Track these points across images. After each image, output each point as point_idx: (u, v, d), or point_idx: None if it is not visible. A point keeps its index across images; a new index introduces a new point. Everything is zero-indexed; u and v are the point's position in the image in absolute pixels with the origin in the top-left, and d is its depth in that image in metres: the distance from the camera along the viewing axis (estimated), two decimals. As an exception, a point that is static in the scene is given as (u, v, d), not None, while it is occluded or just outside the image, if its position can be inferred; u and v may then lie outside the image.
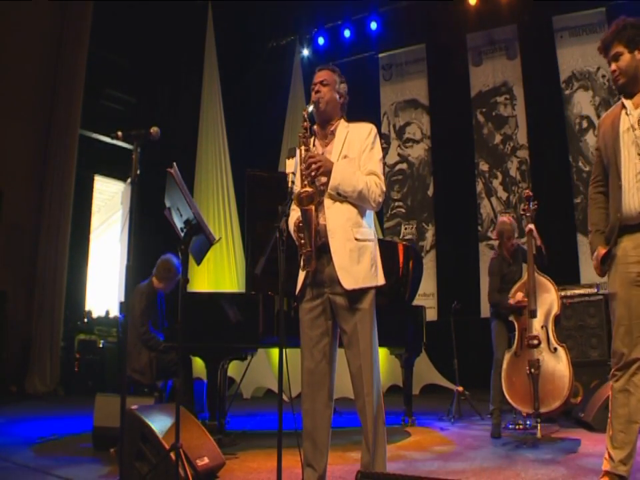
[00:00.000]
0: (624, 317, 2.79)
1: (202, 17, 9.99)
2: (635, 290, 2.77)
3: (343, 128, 2.94)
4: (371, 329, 2.79)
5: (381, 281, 2.85)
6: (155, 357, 5.01)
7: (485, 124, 9.95)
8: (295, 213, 2.83)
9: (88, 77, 9.12)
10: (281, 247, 2.58)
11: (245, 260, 7.04)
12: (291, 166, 2.80)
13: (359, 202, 2.80)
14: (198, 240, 3.21)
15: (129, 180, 9.62)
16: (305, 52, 11.00)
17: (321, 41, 10.82)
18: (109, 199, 11.44)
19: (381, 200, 2.85)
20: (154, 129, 2.85)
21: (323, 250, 2.77)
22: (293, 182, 2.72)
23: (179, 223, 3.25)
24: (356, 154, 2.86)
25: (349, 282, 2.72)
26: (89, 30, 9.07)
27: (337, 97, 2.95)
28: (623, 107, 2.87)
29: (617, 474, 2.75)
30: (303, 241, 2.74)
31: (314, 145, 2.90)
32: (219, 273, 9.20)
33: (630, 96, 2.86)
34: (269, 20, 10.31)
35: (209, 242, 3.19)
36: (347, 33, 10.61)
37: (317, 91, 2.91)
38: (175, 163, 3.16)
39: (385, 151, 10.44)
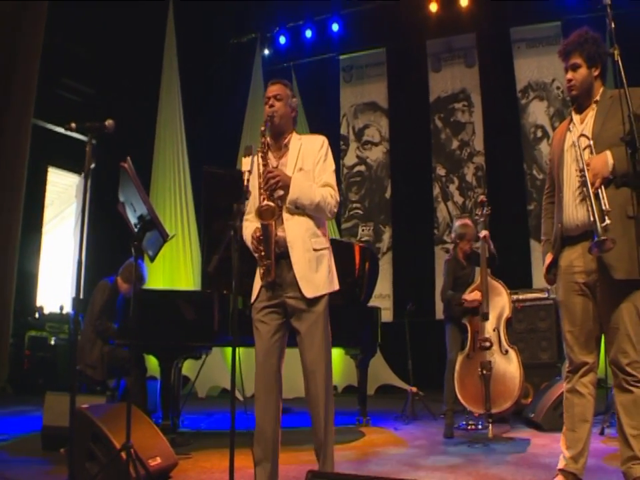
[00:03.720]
0: (569, 323, 2.93)
1: (163, 9, 9.83)
2: (577, 298, 2.90)
3: (295, 141, 3.05)
4: (325, 330, 2.89)
5: (335, 286, 2.98)
6: (107, 353, 4.92)
7: (443, 129, 10.09)
8: (251, 225, 2.95)
9: (43, 65, 8.85)
10: (235, 245, 2.60)
11: (201, 258, 6.97)
12: (247, 164, 2.81)
13: (315, 213, 2.93)
14: (152, 236, 3.18)
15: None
16: (266, 51, 10.94)
17: (282, 40, 10.78)
18: (63, 192, 11.13)
19: (335, 210, 2.99)
20: (109, 122, 2.82)
21: (281, 257, 2.87)
22: (248, 180, 2.74)
23: (132, 219, 3.22)
24: (310, 166, 2.98)
25: (309, 290, 2.83)
26: (45, 17, 8.81)
27: (290, 110, 3.06)
28: (571, 121, 2.99)
29: (569, 471, 2.86)
30: (263, 253, 2.83)
31: (268, 157, 2.98)
32: (175, 270, 9.08)
33: (580, 110, 2.97)
34: (231, 16, 10.20)
35: (162, 238, 3.16)
36: (308, 33, 10.59)
37: (271, 105, 3.00)
38: (128, 157, 3.14)
39: (344, 152, 10.49)
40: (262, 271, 2.86)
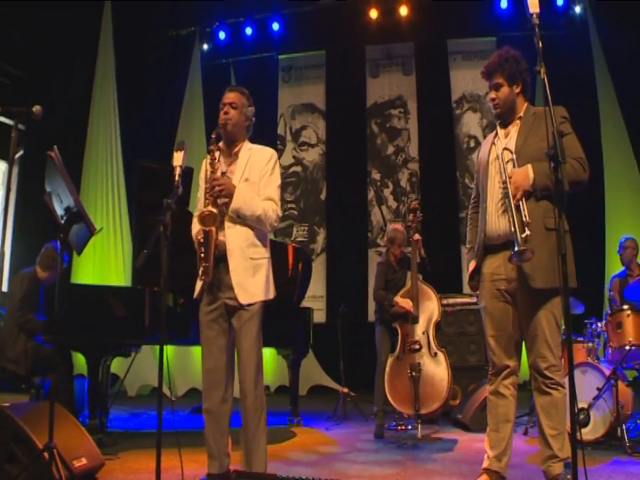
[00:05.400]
0: (491, 328, 3.05)
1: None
2: (499, 304, 3.02)
3: (246, 150, 3.16)
4: (257, 330, 3.03)
5: (271, 295, 3.12)
6: (31, 348, 4.73)
7: (379, 134, 10.24)
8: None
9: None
10: (165, 241, 2.62)
11: (132, 253, 6.80)
12: (178, 159, 2.85)
13: (256, 225, 3.05)
14: (79, 229, 3.11)
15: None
16: (205, 45, 10.76)
17: (222, 35, 10.62)
18: (-12, 179, 10.57)
19: (276, 224, 3.13)
20: (36, 108, 2.73)
21: (220, 259, 2.99)
22: (179, 175, 2.79)
23: (59, 210, 3.15)
24: (256, 178, 3.10)
25: (244, 298, 2.98)
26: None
27: (244, 119, 3.16)
28: (496, 135, 3.12)
29: (493, 470, 2.96)
30: (202, 255, 2.92)
31: (219, 161, 3.11)
32: (105, 265, 8.80)
33: (505, 125, 3.10)
34: (170, 7, 9.94)
35: (89, 232, 3.10)
36: (248, 31, 10.49)
37: (226, 112, 3.11)
38: (55, 146, 3.07)
39: (280, 152, 10.44)
40: (201, 271, 2.95)
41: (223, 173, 3.09)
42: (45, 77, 9.18)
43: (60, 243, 3.05)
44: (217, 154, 3.07)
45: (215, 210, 2.92)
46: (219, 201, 2.99)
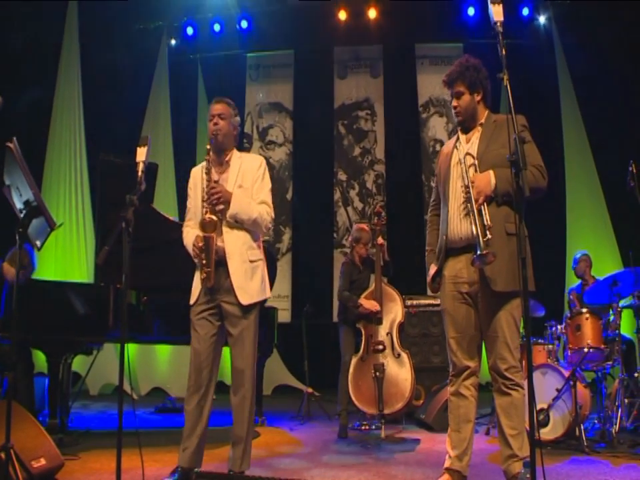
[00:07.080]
0: (452, 329, 3.09)
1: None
2: (460, 306, 3.06)
3: (236, 158, 3.35)
4: (255, 335, 3.22)
5: (267, 294, 3.32)
6: None
7: (346, 135, 10.28)
8: (192, 231, 3.25)
9: None
10: (127, 237, 2.64)
11: (95, 249, 6.68)
12: (142, 154, 2.88)
13: (252, 228, 3.25)
14: (39, 224, 3.06)
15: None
16: (173, 40, 10.62)
17: (189, 31, 10.48)
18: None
19: (271, 226, 3.35)
20: None
21: (219, 264, 3.15)
22: (143, 171, 2.83)
23: (18, 204, 3.10)
24: (249, 184, 3.29)
25: (245, 298, 3.15)
26: None
27: (232, 128, 3.34)
28: (457, 140, 3.17)
29: (454, 469, 3.01)
30: (204, 262, 3.10)
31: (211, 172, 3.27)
32: (68, 261, 8.62)
33: (466, 131, 3.15)
34: (138, 0, 9.75)
35: (49, 227, 3.05)
36: (216, 27, 10.39)
37: (216, 123, 3.27)
38: (14, 138, 3.01)
39: (246, 150, 10.40)
40: (202, 277, 3.12)
41: (216, 182, 3.23)
42: (7, 66, 8.95)
43: (18, 237, 2.99)
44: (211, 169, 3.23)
45: (214, 217, 3.11)
46: (217, 208, 3.16)
